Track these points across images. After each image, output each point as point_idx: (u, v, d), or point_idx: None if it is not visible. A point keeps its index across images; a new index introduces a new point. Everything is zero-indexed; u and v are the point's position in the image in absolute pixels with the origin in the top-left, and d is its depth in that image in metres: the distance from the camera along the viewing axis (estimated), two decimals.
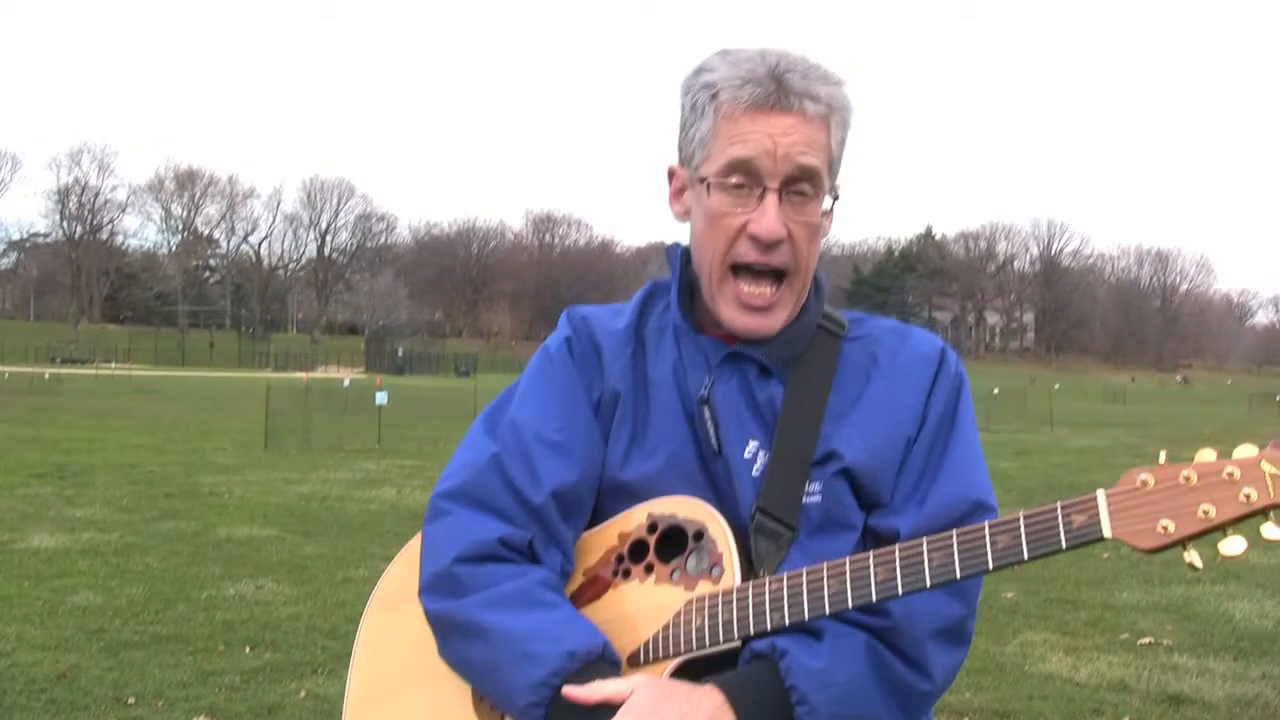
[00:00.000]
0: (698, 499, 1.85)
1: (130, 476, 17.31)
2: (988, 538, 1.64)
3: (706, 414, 1.88)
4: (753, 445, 1.87)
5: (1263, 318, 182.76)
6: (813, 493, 1.85)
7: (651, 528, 1.86)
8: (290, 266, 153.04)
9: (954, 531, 1.67)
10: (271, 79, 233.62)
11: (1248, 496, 1.53)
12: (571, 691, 1.72)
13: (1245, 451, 1.56)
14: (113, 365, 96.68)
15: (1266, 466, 1.54)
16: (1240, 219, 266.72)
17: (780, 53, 1.85)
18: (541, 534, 1.87)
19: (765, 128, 1.81)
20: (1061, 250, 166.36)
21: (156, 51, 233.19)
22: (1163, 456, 1.61)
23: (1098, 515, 1.59)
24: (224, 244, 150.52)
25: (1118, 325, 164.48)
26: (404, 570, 2.05)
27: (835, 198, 1.89)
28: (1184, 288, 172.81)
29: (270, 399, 24.71)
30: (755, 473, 1.86)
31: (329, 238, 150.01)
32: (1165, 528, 1.56)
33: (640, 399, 1.94)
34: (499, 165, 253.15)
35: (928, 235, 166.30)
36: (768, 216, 1.81)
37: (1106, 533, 1.58)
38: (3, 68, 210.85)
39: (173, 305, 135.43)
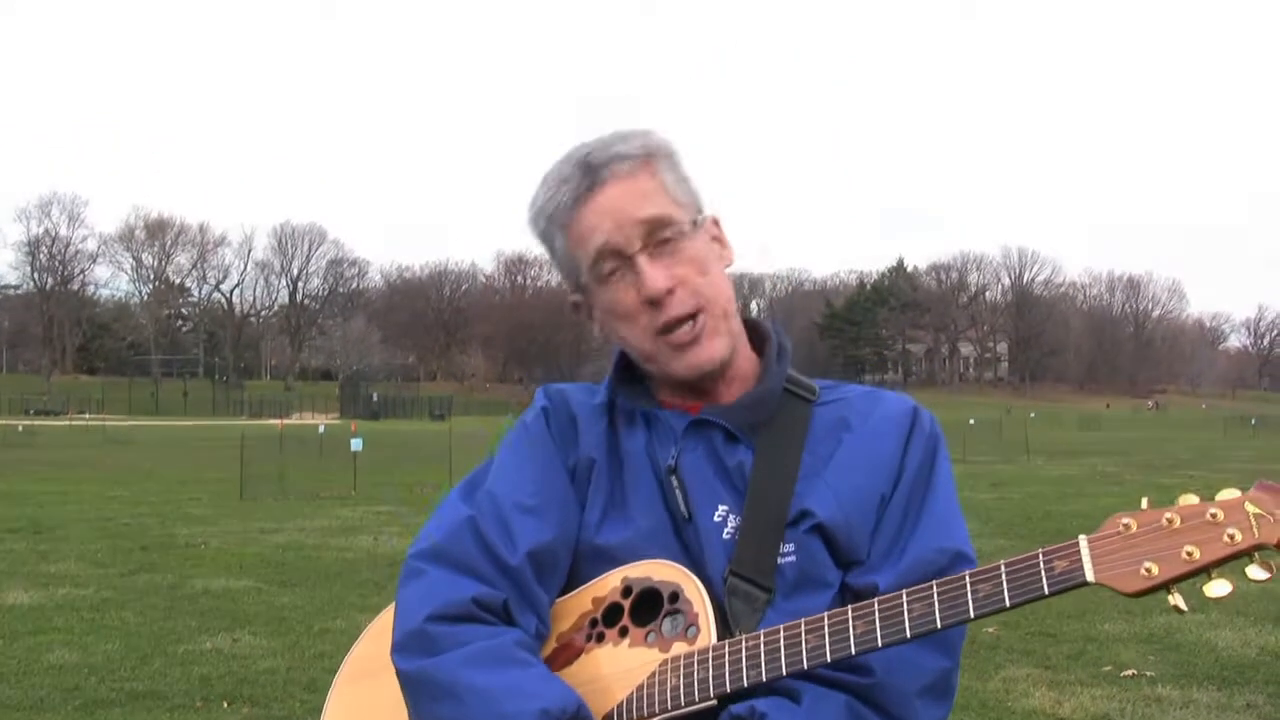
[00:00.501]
0: (672, 562, 1.84)
1: (105, 530, 17.18)
2: (969, 587, 1.63)
3: (675, 482, 1.89)
4: (722, 509, 1.87)
5: (1235, 342, 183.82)
6: (787, 553, 1.84)
7: (626, 591, 1.85)
8: (263, 313, 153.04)
9: (934, 582, 1.66)
10: (239, 125, 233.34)
11: (1231, 537, 1.52)
12: None
13: (1228, 494, 1.55)
14: (86, 416, 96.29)
15: (1250, 507, 1.53)
16: (1212, 243, 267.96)
17: (582, 143, 1.93)
18: (516, 596, 1.86)
19: (596, 210, 1.87)
20: (1033, 279, 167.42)
21: (123, 100, 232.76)
22: (1144, 502, 1.60)
23: (1080, 560, 1.58)
24: (196, 292, 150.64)
25: (1091, 353, 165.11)
26: (371, 646, 2.03)
27: (704, 224, 1.93)
28: (1156, 313, 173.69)
29: (245, 447, 24.60)
30: (726, 536, 1.86)
31: (301, 284, 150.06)
32: (1149, 570, 1.55)
33: (615, 468, 1.95)
34: (469, 208, 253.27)
35: (899, 267, 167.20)
36: (647, 277, 1.85)
37: (1089, 577, 1.57)
38: None
39: (146, 355, 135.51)
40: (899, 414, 1.95)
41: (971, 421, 45.18)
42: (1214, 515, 1.54)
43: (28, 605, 11.01)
